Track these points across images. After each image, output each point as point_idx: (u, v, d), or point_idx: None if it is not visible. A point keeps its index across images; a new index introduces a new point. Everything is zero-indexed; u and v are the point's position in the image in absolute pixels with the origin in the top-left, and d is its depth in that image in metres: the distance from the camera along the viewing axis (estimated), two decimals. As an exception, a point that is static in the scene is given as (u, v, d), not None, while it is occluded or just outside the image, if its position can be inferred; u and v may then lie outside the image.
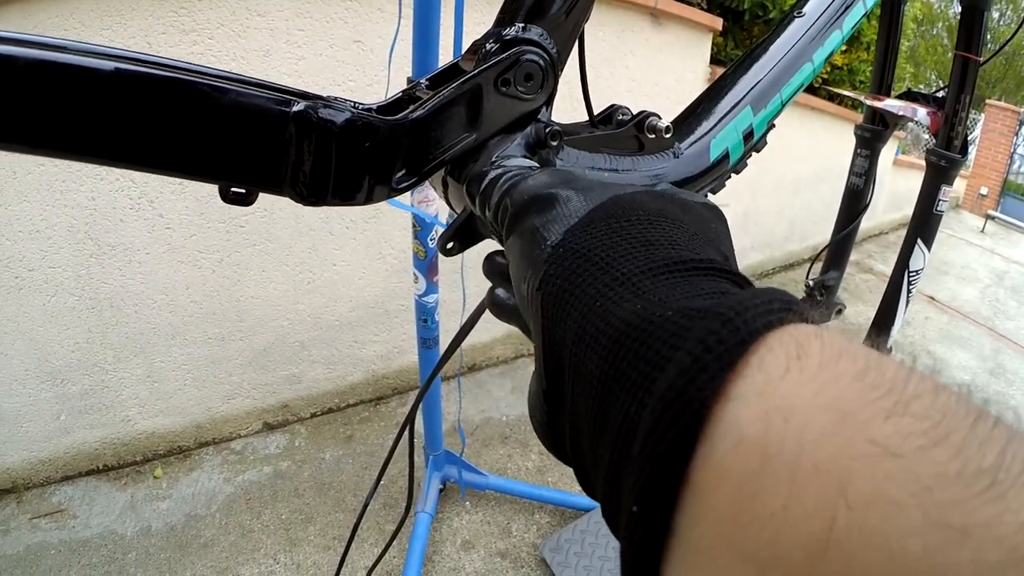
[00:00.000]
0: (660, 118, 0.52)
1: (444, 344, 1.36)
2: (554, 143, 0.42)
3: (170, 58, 0.33)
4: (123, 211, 1.54)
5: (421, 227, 1.17)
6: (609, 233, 0.22)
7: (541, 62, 0.41)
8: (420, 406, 1.44)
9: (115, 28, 1.37)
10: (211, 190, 0.32)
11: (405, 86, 1.05)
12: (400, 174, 0.38)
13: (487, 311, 0.38)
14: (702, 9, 2.47)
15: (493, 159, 0.39)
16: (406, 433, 0.62)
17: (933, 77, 12.96)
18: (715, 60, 2.59)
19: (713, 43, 2.51)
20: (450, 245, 0.40)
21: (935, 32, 13.13)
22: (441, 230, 1.22)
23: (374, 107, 0.44)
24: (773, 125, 0.70)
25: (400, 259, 1.94)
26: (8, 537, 1.52)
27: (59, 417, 1.65)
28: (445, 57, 1.04)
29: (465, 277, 1.34)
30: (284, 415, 1.93)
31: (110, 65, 0.26)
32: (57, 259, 1.51)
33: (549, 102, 0.44)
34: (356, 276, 1.90)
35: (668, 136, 0.52)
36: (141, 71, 0.27)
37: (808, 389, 0.14)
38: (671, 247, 0.21)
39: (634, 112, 0.53)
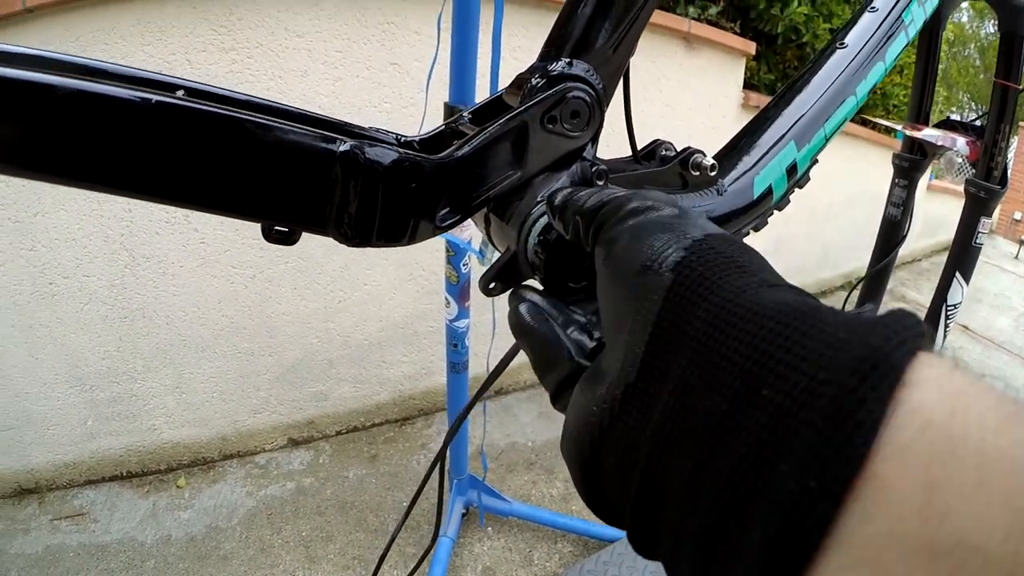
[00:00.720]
0: (705, 155, 0.51)
1: (473, 368, 1.36)
2: (600, 182, 0.42)
3: (215, 86, 0.33)
4: (159, 224, 1.57)
5: (454, 252, 1.17)
6: (732, 243, 0.21)
7: (587, 99, 0.41)
8: (452, 431, 1.43)
9: (155, 44, 1.41)
10: None
11: (442, 111, 1.06)
12: (444, 211, 0.37)
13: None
14: (735, 33, 2.46)
15: (539, 198, 0.39)
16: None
17: (966, 99, 12.74)
18: (748, 85, 2.57)
19: (746, 67, 2.49)
20: (492, 285, 0.40)
21: (967, 54, 12.91)
22: (473, 256, 1.22)
23: (416, 140, 0.44)
24: (816, 160, 0.69)
25: (431, 280, 1.95)
26: (28, 537, 1.55)
27: (86, 422, 1.68)
28: (481, 82, 1.05)
29: (495, 302, 1.34)
30: (309, 432, 1.94)
31: (153, 98, 0.26)
32: (91, 268, 1.54)
33: (595, 139, 0.43)
34: (386, 296, 1.90)
35: (713, 174, 0.51)
36: (187, 106, 0.27)
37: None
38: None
39: (677, 147, 0.52)
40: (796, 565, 0.14)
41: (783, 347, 0.16)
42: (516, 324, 0.31)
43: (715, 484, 0.16)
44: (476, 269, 1.28)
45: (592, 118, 0.42)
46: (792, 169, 0.65)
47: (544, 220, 0.36)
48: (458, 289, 1.22)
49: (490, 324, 1.32)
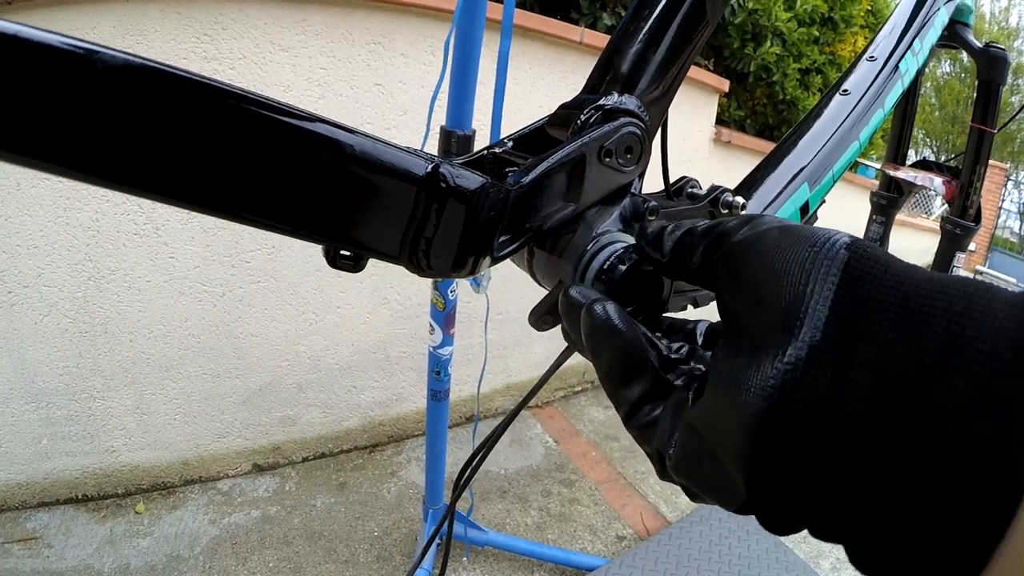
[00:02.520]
0: (733, 194, 0.51)
1: (452, 395, 1.34)
2: (652, 218, 0.41)
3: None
4: (127, 236, 1.50)
5: (442, 279, 1.15)
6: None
7: (639, 134, 0.41)
8: (428, 456, 1.39)
9: (136, 48, 1.36)
10: (218, 221, 0.29)
11: (440, 135, 1.05)
12: (501, 240, 0.36)
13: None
14: (709, 71, 2.53)
15: (595, 233, 0.38)
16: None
17: (921, 135, 13.39)
18: (719, 120, 2.64)
19: (718, 104, 2.56)
20: (543, 320, 0.38)
21: (923, 92, 13.64)
22: (463, 281, 1.21)
23: (461, 164, 0.43)
24: (824, 200, 0.70)
25: (405, 305, 1.92)
26: (-22, 560, 1.44)
27: (41, 441, 1.59)
28: (480, 108, 1.04)
29: (487, 329, 1.32)
30: (275, 457, 1.87)
31: (233, 95, 0.23)
32: (54, 278, 1.46)
33: (641, 175, 0.43)
34: (360, 320, 1.86)
35: (742, 213, 0.51)
36: (271, 105, 0.24)
37: None
38: None
39: (703, 185, 0.53)
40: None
41: (973, 307, 0.17)
42: (601, 325, 0.27)
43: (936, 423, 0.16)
44: (461, 295, 1.26)
45: (643, 153, 0.41)
46: (805, 208, 0.66)
47: (602, 256, 0.35)
48: (444, 316, 1.20)
49: (468, 350, 1.30)
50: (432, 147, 1.11)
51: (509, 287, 2.04)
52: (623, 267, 0.34)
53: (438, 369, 1.25)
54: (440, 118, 1.05)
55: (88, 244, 1.47)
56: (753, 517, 0.21)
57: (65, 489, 1.66)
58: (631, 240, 0.38)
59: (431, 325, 1.21)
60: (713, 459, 0.22)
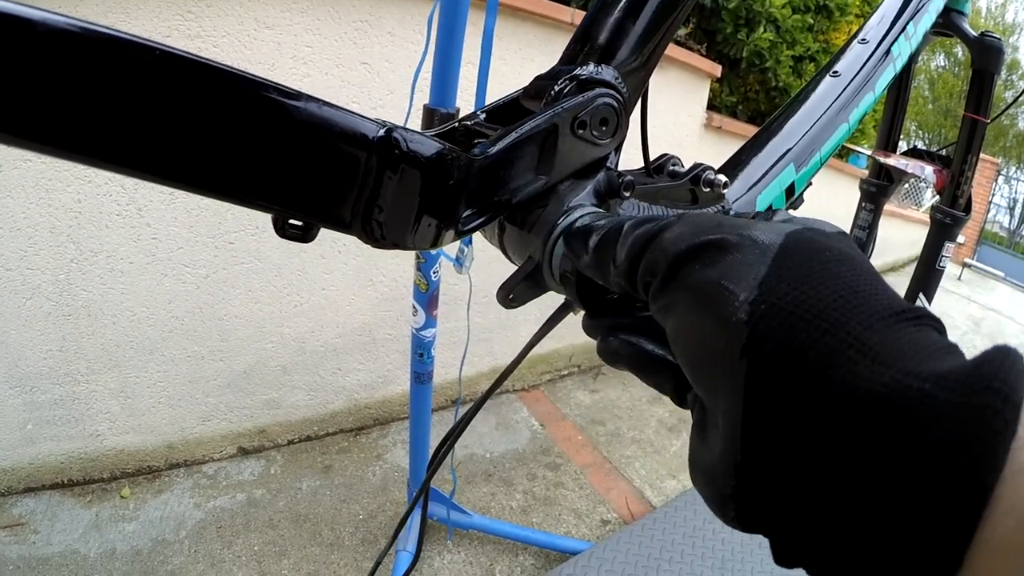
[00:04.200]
0: (715, 172, 0.50)
1: (438, 378, 1.33)
2: (627, 194, 0.40)
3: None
4: (109, 216, 1.48)
5: (425, 259, 1.14)
6: (809, 281, 0.19)
7: (616, 106, 0.39)
8: (412, 438, 1.39)
9: (119, 25, 1.33)
10: (202, 201, 0.27)
11: (422, 113, 1.03)
12: (467, 214, 0.35)
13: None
14: (701, 55, 2.51)
15: (566, 207, 0.37)
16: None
17: (913, 127, 13.46)
18: (711, 106, 2.63)
19: (710, 89, 2.54)
20: (512, 296, 0.37)
21: (916, 84, 13.71)
22: (446, 262, 1.19)
23: (431, 136, 0.42)
24: (811, 183, 0.69)
25: (391, 287, 1.90)
26: (-36, 546, 1.43)
27: (25, 426, 1.57)
28: (462, 86, 1.02)
29: (470, 311, 1.31)
30: (260, 440, 1.86)
31: (157, 47, 0.21)
32: (37, 261, 1.44)
33: (617, 149, 0.42)
34: (345, 302, 1.85)
35: (724, 191, 0.50)
36: (199, 62, 0.22)
37: None
38: (875, 294, 0.19)
39: (685, 163, 0.51)
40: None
41: (880, 446, 0.16)
42: (621, 355, 0.30)
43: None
44: (446, 277, 1.24)
45: (619, 126, 0.40)
46: (790, 190, 0.65)
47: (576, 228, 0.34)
48: (427, 297, 1.19)
49: (452, 333, 1.29)
50: (415, 125, 1.09)
51: (494, 268, 2.01)
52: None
53: (421, 351, 1.24)
54: (426, 97, 1.03)
55: (70, 226, 1.44)
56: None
57: (51, 474, 1.64)
58: (601, 212, 0.37)
59: (414, 306, 1.19)
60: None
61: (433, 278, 1.17)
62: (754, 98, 2.97)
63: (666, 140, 2.41)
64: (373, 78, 1.65)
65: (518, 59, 1.86)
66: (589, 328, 0.33)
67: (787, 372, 0.18)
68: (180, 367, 1.68)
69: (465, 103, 1.01)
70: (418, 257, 1.15)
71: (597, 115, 0.38)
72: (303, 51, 1.54)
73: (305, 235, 0.29)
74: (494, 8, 0.92)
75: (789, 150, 0.65)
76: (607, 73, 0.40)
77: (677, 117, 2.43)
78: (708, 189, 0.50)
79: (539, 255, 0.36)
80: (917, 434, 0.15)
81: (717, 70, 2.45)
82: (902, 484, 0.15)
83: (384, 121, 0.28)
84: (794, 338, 0.18)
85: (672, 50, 2.24)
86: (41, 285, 1.46)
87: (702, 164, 0.50)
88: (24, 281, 1.44)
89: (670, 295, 0.22)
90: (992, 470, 0.14)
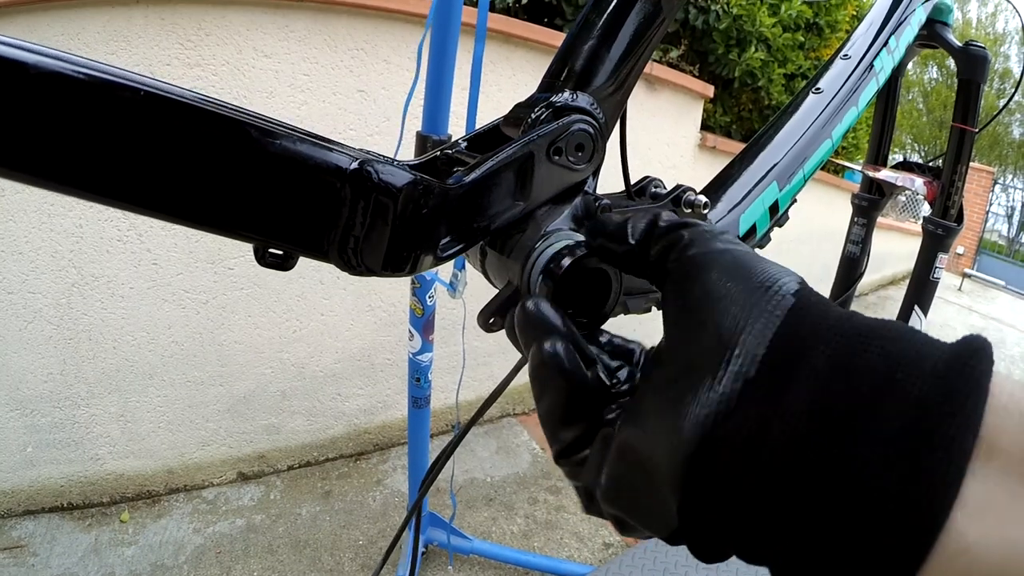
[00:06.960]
0: (696, 193, 0.51)
1: (435, 403, 1.33)
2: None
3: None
4: (110, 242, 1.50)
5: (420, 284, 1.15)
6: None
7: (591, 132, 0.40)
8: (411, 463, 1.39)
9: (120, 53, 1.37)
10: None
11: (415, 140, 1.04)
12: (445, 241, 0.35)
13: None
14: (694, 76, 2.54)
15: (543, 232, 0.37)
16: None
17: (909, 140, 13.54)
18: (705, 126, 2.65)
19: (704, 109, 2.57)
20: (492, 320, 0.38)
21: (911, 97, 13.79)
22: (441, 287, 1.20)
23: (409, 165, 0.43)
24: (795, 200, 0.70)
25: (389, 312, 1.91)
26: (-37, 568, 1.42)
27: (26, 449, 1.57)
28: (456, 113, 1.04)
29: (464, 335, 1.31)
30: (260, 466, 1.86)
31: (142, 88, 0.22)
32: (38, 284, 1.46)
33: (595, 174, 0.43)
34: (344, 327, 1.85)
35: (705, 212, 0.51)
36: (181, 100, 0.23)
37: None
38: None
39: (667, 185, 0.52)
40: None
41: (904, 349, 0.18)
42: (551, 365, 0.26)
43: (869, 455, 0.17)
44: (442, 302, 1.25)
45: (595, 152, 0.41)
46: (774, 208, 0.66)
47: (549, 252, 0.35)
48: (423, 322, 1.19)
49: (449, 358, 1.29)
50: (408, 152, 1.10)
51: (490, 293, 2.02)
52: (568, 260, 0.33)
53: (418, 376, 1.24)
54: (420, 124, 1.05)
55: (72, 250, 1.46)
56: None
57: (50, 497, 1.64)
58: (580, 238, 0.37)
59: (410, 331, 1.20)
60: (645, 485, 0.22)
61: (428, 303, 1.17)
62: (748, 117, 3.00)
63: (660, 162, 2.43)
64: (369, 105, 1.68)
65: (511, 84, 1.88)
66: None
67: (823, 310, 0.21)
68: (180, 392, 1.68)
69: (459, 129, 1.02)
70: (413, 282, 1.16)
71: (573, 141, 0.39)
72: (300, 79, 1.57)
73: (284, 263, 0.30)
74: (482, 36, 0.94)
75: (772, 168, 0.66)
76: (583, 100, 0.41)
77: (671, 138, 2.45)
78: (690, 210, 0.51)
79: (517, 279, 0.37)
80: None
81: (710, 91, 2.48)
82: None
83: (363, 151, 0.29)
84: (825, 302, 0.21)
85: (665, 72, 2.27)
86: (42, 309, 1.47)
87: (683, 185, 0.51)
88: (26, 305, 1.46)
89: (713, 251, 0.24)
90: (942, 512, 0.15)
